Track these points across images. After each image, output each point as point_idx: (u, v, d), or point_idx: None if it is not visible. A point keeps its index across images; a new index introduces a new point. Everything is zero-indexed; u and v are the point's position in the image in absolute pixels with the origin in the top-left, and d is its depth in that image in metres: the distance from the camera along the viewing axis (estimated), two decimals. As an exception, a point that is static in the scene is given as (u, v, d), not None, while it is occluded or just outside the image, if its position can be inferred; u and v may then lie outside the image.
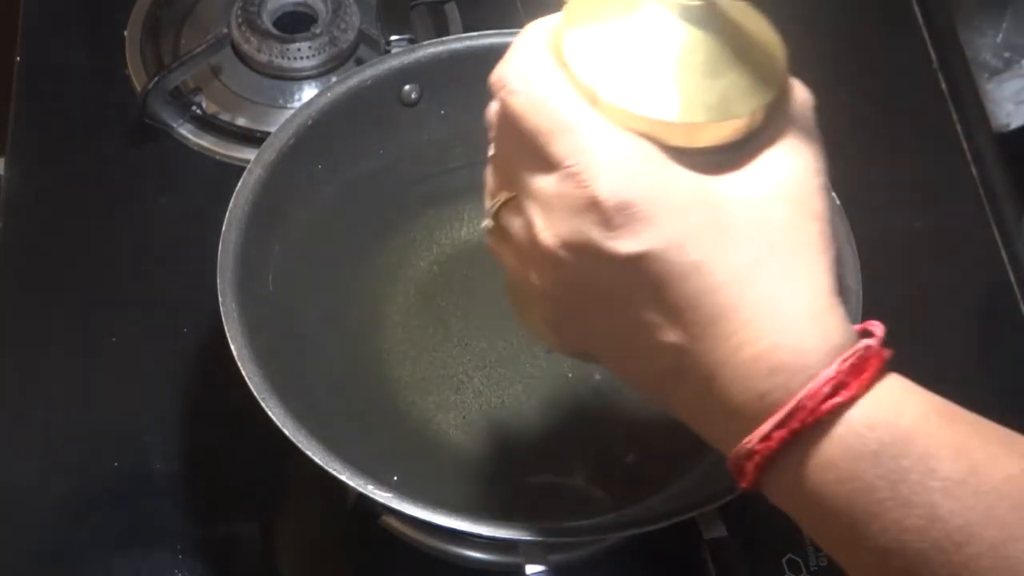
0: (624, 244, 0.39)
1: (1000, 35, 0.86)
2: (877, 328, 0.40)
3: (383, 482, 0.51)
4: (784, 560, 0.65)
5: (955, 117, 0.83)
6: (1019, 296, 0.76)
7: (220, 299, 0.56)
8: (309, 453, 0.51)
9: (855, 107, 0.83)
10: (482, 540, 0.53)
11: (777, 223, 0.40)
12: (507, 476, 0.63)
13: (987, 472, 0.37)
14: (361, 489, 0.51)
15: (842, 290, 0.47)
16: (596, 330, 0.44)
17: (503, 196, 0.44)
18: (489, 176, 0.46)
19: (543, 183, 0.41)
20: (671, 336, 0.40)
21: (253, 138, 0.78)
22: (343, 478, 0.51)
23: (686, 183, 0.40)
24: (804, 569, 0.65)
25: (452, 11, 0.83)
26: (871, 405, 0.38)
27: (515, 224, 0.44)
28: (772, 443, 0.38)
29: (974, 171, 0.81)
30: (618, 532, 0.51)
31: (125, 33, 0.82)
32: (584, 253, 0.40)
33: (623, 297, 0.41)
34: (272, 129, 0.64)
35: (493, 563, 0.62)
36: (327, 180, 0.65)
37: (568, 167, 0.40)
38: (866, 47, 0.86)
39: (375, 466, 0.54)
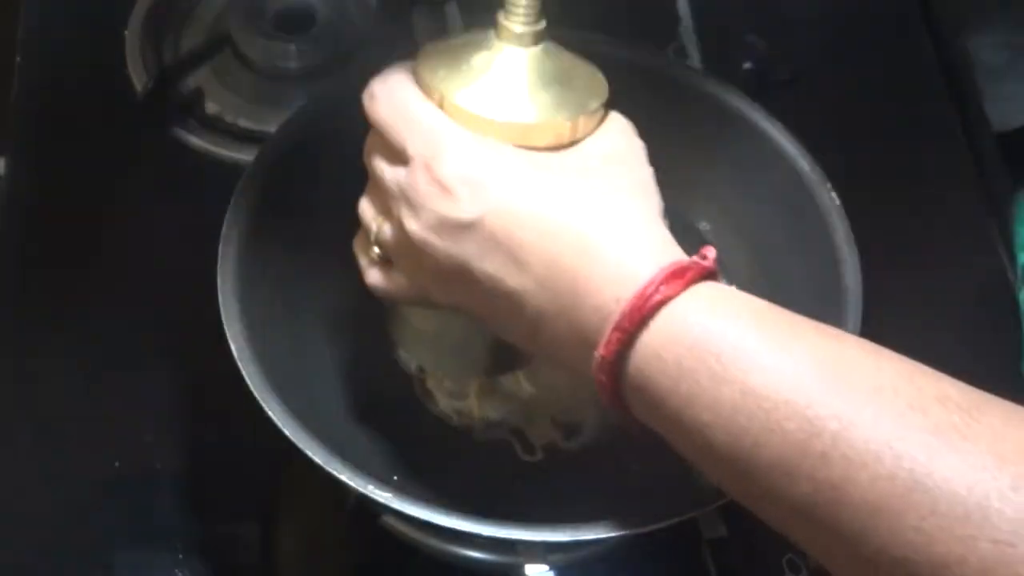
0: (467, 210, 0.46)
1: (1000, 35, 0.86)
2: (710, 251, 0.45)
3: (383, 482, 0.51)
4: (784, 560, 0.65)
5: (955, 117, 0.83)
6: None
7: (220, 299, 0.56)
8: (309, 453, 0.51)
9: (855, 107, 0.83)
10: (482, 540, 0.53)
11: (597, 172, 0.48)
12: (508, 476, 0.63)
13: (791, 349, 0.41)
14: (361, 489, 0.51)
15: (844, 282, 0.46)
16: (476, 299, 0.49)
17: (380, 220, 0.51)
18: (365, 210, 0.52)
19: (403, 177, 0.48)
20: (524, 282, 0.46)
21: (253, 138, 0.78)
22: (343, 478, 0.51)
23: (517, 155, 0.47)
24: (804, 569, 0.65)
25: (452, 11, 0.83)
26: (689, 302, 0.43)
27: (390, 235, 0.50)
28: (612, 346, 0.44)
29: (974, 171, 0.81)
30: (618, 532, 0.51)
31: (125, 33, 0.82)
32: (443, 230, 0.47)
33: (479, 256, 0.47)
34: (272, 129, 0.64)
35: (493, 563, 0.62)
36: (327, 180, 0.65)
37: (419, 155, 0.47)
38: (866, 47, 0.86)
39: (375, 466, 0.54)
